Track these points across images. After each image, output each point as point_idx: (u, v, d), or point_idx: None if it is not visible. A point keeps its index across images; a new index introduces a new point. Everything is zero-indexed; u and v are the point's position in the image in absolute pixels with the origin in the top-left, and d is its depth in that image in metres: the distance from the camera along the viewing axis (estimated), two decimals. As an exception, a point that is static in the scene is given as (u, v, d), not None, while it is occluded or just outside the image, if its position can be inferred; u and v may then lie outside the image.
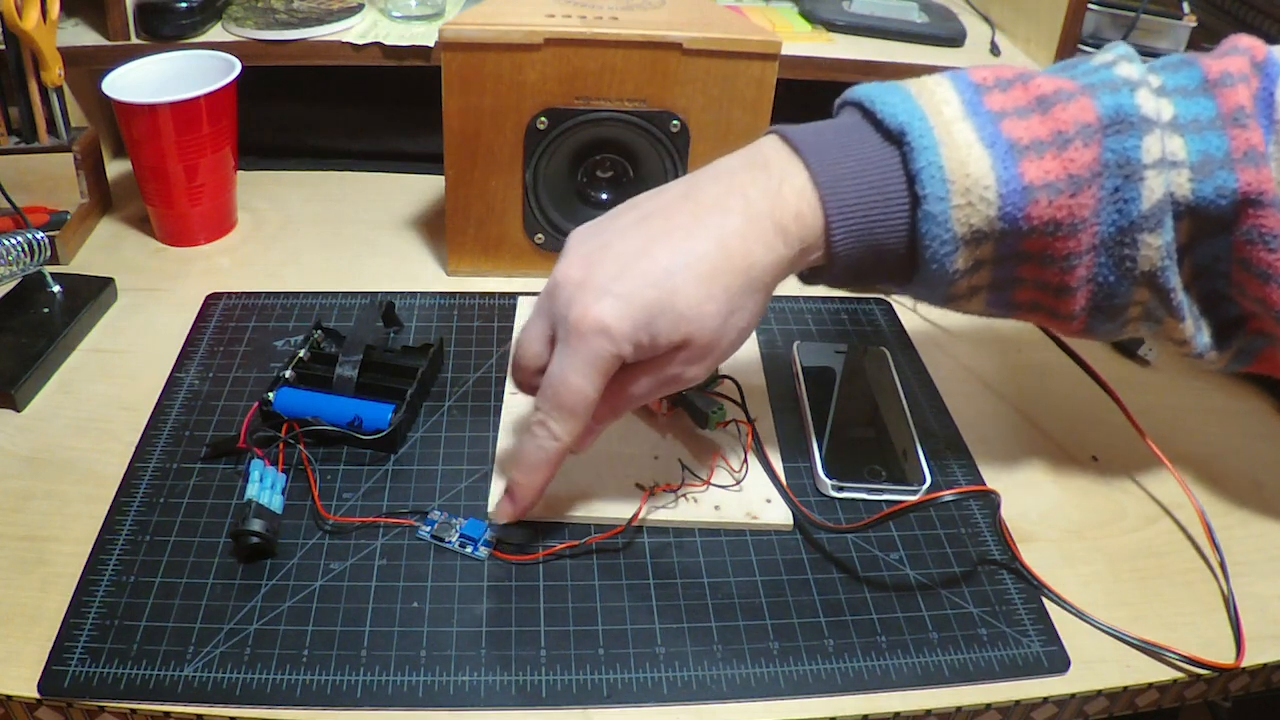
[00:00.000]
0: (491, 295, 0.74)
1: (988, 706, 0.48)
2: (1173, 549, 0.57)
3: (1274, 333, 0.48)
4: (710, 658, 0.48)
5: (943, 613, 0.51)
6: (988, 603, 0.52)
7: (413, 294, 0.73)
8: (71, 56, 0.78)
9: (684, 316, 0.45)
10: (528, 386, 0.50)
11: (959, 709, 0.48)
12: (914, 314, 0.75)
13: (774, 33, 0.76)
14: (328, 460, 0.58)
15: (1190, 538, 0.57)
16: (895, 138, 0.45)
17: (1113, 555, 0.56)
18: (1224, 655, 0.50)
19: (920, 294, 0.49)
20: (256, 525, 0.51)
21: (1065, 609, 0.52)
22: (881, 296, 0.76)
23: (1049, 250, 0.46)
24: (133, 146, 0.74)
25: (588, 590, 0.51)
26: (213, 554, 0.52)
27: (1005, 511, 0.55)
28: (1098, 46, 0.95)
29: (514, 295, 0.73)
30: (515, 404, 0.62)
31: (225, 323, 0.69)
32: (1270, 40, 0.48)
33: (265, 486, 0.53)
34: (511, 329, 0.70)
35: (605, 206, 0.74)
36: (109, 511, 0.54)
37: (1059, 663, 0.49)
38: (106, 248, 0.78)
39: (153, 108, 0.71)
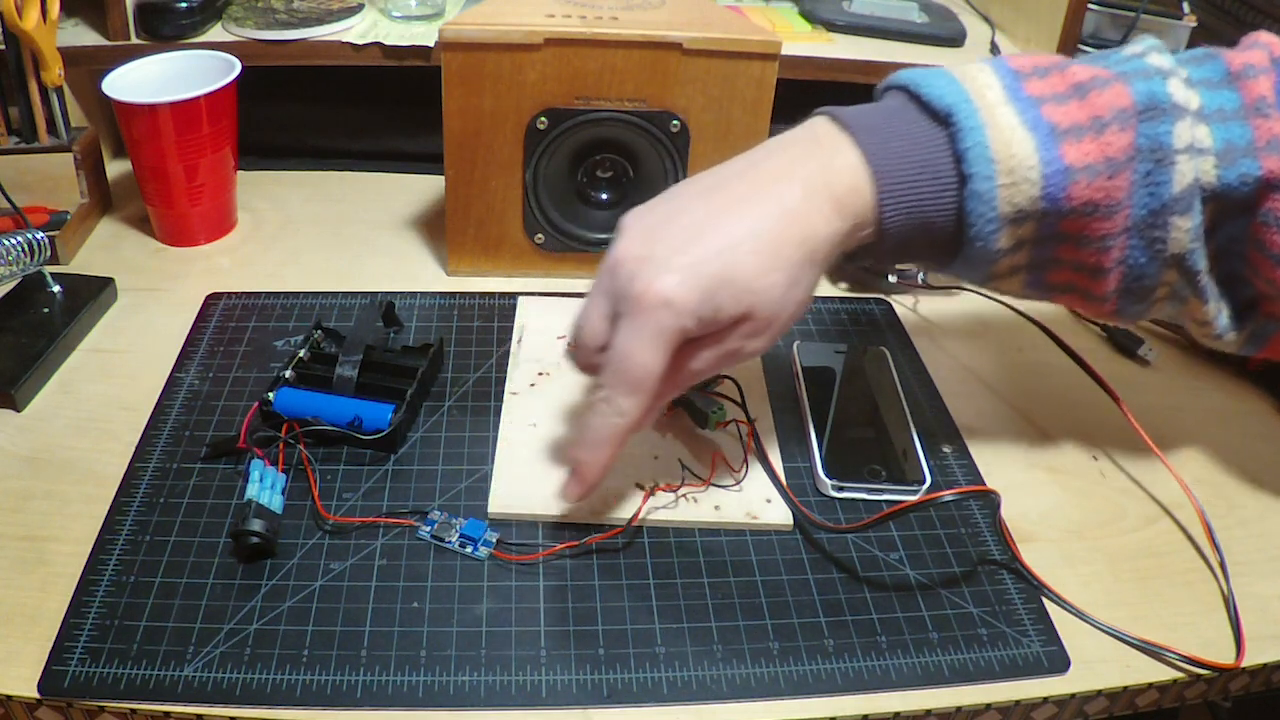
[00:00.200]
0: (491, 295, 0.74)
1: (988, 706, 0.48)
2: (1173, 549, 0.57)
3: None
4: (710, 658, 0.48)
5: (943, 613, 0.51)
6: (988, 603, 0.52)
7: (413, 294, 0.73)
8: (71, 56, 0.78)
9: (748, 288, 0.46)
10: (588, 366, 0.50)
11: (959, 709, 0.48)
12: (914, 314, 0.75)
13: (774, 33, 0.76)
14: (328, 460, 0.58)
15: (1190, 538, 0.57)
16: (942, 119, 0.47)
17: (1113, 555, 0.56)
18: (1224, 655, 0.50)
19: (962, 272, 0.50)
20: (256, 525, 0.51)
21: (1065, 609, 0.52)
22: (881, 296, 0.76)
23: (1086, 231, 0.47)
24: (133, 146, 0.74)
25: (588, 590, 0.51)
26: (213, 554, 0.52)
27: (1005, 511, 0.55)
28: (1098, 46, 0.96)
29: (514, 295, 0.73)
30: (515, 404, 0.62)
31: (225, 323, 0.69)
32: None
33: (265, 486, 0.53)
34: (511, 329, 0.70)
35: (605, 206, 0.75)
36: (109, 511, 0.54)
37: (1059, 663, 0.49)
38: (106, 248, 0.78)
39: (153, 108, 0.71)
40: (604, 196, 0.75)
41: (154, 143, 0.72)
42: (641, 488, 0.56)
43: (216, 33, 0.86)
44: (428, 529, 0.54)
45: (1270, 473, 0.62)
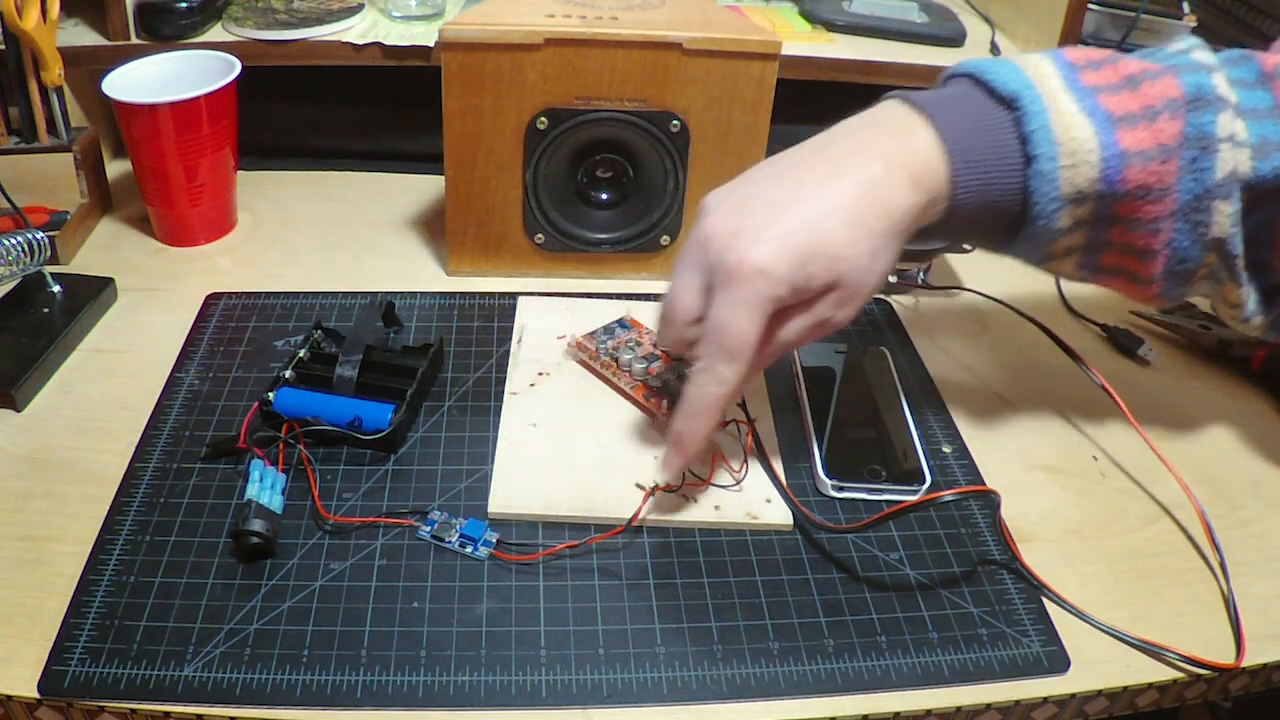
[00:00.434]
0: (491, 295, 0.74)
1: (988, 706, 0.48)
2: (1173, 549, 0.57)
3: None
4: (710, 658, 0.48)
5: (943, 613, 0.51)
6: (988, 603, 0.52)
7: (413, 294, 0.73)
8: (71, 56, 0.78)
9: (837, 257, 0.48)
10: (680, 342, 0.52)
11: (959, 709, 0.48)
12: (914, 314, 0.75)
13: (774, 33, 0.76)
14: (328, 460, 0.58)
15: (1190, 538, 0.57)
16: (1008, 103, 0.49)
17: (1113, 555, 0.56)
18: (1224, 655, 0.50)
19: (1021, 251, 0.53)
20: (257, 525, 0.51)
21: (1065, 609, 0.52)
22: (881, 296, 0.76)
23: (1137, 214, 0.50)
24: (133, 146, 0.74)
25: (588, 590, 0.51)
26: (213, 554, 0.52)
27: (1005, 511, 0.55)
28: (1098, 47, 0.96)
29: (514, 295, 0.73)
30: (515, 404, 0.62)
31: (225, 323, 0.69)
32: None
33: (265, 486, 0.53)
34: (511, 329, 0.70)
35: (605, 206, 0.75)
36: (109, 511, 0.54)
37: (1059, 663, 0.49)
38: (106, 248, 0.78)
39: (153, 108, 0.71)
40: (604, 196, 0.75)
41: (154, 143, 0.72)
42: (641, 488, 0.56)
43: (216, 33, 0.86)
44: (428, 529, 0.54)
45: (1270, 473, 0.62)
